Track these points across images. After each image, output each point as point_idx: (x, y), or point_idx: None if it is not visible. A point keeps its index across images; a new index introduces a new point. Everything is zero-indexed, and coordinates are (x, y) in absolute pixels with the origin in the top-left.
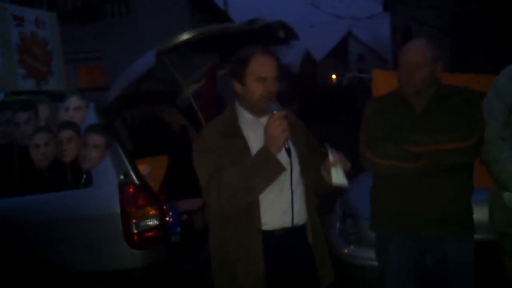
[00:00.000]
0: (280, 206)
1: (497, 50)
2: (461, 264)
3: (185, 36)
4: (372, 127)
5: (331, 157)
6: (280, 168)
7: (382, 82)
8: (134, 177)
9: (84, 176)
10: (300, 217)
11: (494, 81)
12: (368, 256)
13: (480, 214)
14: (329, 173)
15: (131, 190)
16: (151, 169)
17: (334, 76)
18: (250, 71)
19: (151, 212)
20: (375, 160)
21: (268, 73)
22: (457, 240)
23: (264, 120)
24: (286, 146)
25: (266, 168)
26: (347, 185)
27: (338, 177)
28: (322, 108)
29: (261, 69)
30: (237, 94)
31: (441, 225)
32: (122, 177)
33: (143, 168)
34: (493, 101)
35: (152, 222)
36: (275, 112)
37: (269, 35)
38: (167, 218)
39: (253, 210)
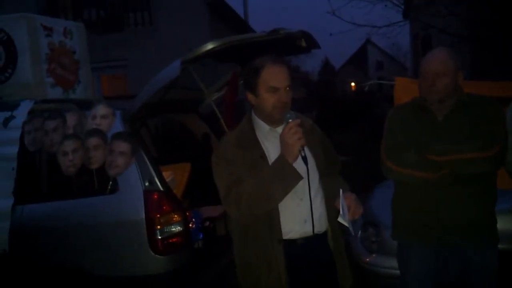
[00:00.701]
0: (300, 215)
1: None
2: (485, 273)
3: (209, 46)
4: (394, 135)
5: (340, 208)
6: (296, 177)
7: (404, 90)
8: (159, 184)
9: (110, 182)
10: (321, 224)
11: None
12: (390, 265)
13: (504, 223)
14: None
15: (155, 196)
16: (174, 175)
17: (353, 84)
18: (262, 81)
19: (175, 219)
20: (396, 168)
21: (280, 83)
22: (480, 249)
23: (280, 129)
24: (303, 154)
25: (283, 177)
26: (351, 231)
27: (343, 220)
28: (341, 115)
29: (272, 79)
30: (251, 105)
31: (462, 234)
32: (147, 184)
33: (166, 175)
34: None
35: (176, 228)
36: (290, 120)
37: (291, 44)
38: (190, 225)
39: (273, 220)
